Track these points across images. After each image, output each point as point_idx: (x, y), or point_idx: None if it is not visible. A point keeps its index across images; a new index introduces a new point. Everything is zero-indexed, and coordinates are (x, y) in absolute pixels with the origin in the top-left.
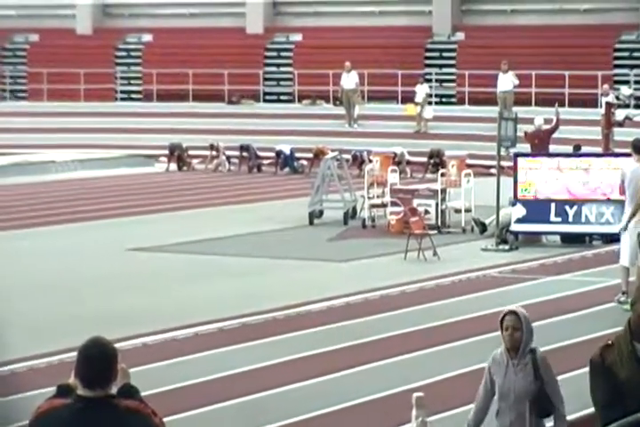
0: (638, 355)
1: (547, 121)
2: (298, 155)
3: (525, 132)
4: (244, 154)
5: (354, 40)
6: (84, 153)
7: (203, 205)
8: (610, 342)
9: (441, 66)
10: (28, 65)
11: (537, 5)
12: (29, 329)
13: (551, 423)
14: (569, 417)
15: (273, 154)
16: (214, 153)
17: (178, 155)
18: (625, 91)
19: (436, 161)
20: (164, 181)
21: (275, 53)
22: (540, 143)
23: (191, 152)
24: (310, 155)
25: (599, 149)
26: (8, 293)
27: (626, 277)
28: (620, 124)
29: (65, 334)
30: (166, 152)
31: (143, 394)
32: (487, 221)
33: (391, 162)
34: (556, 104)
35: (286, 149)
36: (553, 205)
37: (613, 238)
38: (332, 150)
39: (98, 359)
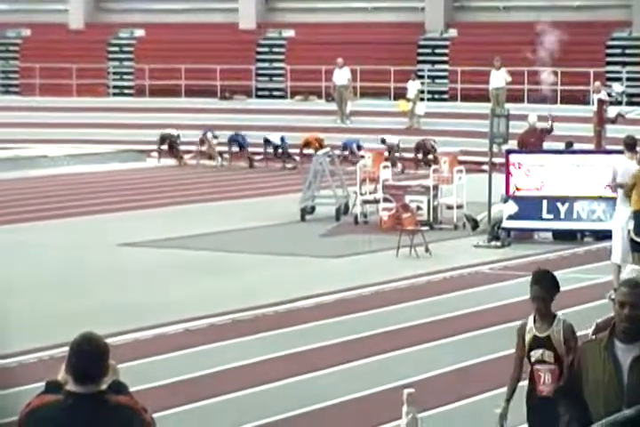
0: (615, 351)
1: (540, 118)
2: (290, 151)
3: (521, 138)
4: (234, 149)
5: (346, 36)
6: (76, 148)
7: (194, 201)
8: (594, 336)
9: (433, 62)
10: (21, 60)
11: (529, 2)
12: (19, 325)
13: None
14: None
15: (263, 149)
16: (203, 149)
17: (169, 144)
18: (617, 88)
19: (428, 158)
20: (155, 176)
21: (267, 49)
22: (537, 141)
23: (183, 147)
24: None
25: (591, 146)
26: None
27: (617, 274)
28: (613, 122)
29: (56, 329)
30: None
31: (133, 390)
32: (479, 218)
33: (383, 158)
34: (550, 114)
35: (275, 138)
36: (545, 202)
37: (605, 235)
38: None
39: (89, 355)
